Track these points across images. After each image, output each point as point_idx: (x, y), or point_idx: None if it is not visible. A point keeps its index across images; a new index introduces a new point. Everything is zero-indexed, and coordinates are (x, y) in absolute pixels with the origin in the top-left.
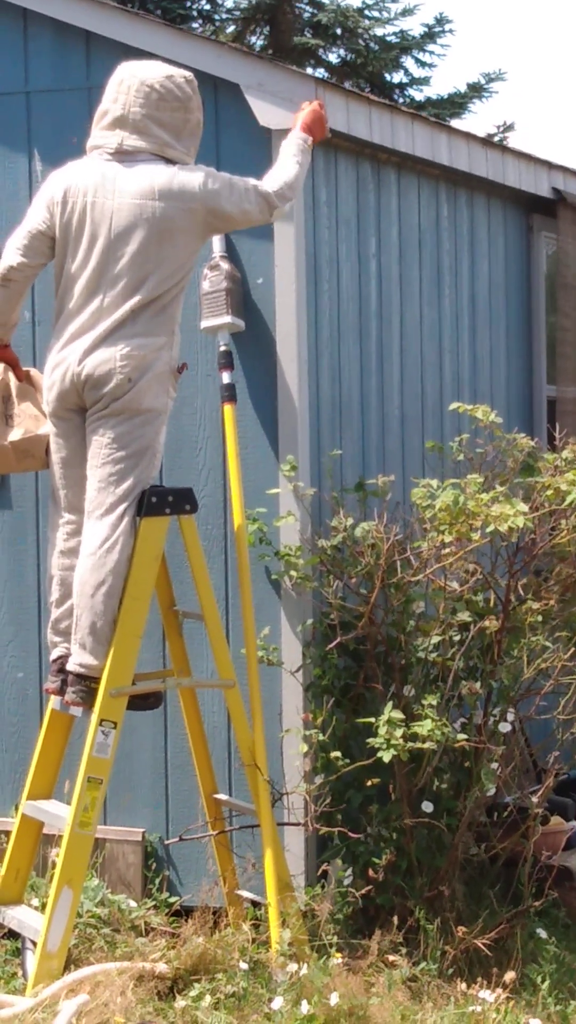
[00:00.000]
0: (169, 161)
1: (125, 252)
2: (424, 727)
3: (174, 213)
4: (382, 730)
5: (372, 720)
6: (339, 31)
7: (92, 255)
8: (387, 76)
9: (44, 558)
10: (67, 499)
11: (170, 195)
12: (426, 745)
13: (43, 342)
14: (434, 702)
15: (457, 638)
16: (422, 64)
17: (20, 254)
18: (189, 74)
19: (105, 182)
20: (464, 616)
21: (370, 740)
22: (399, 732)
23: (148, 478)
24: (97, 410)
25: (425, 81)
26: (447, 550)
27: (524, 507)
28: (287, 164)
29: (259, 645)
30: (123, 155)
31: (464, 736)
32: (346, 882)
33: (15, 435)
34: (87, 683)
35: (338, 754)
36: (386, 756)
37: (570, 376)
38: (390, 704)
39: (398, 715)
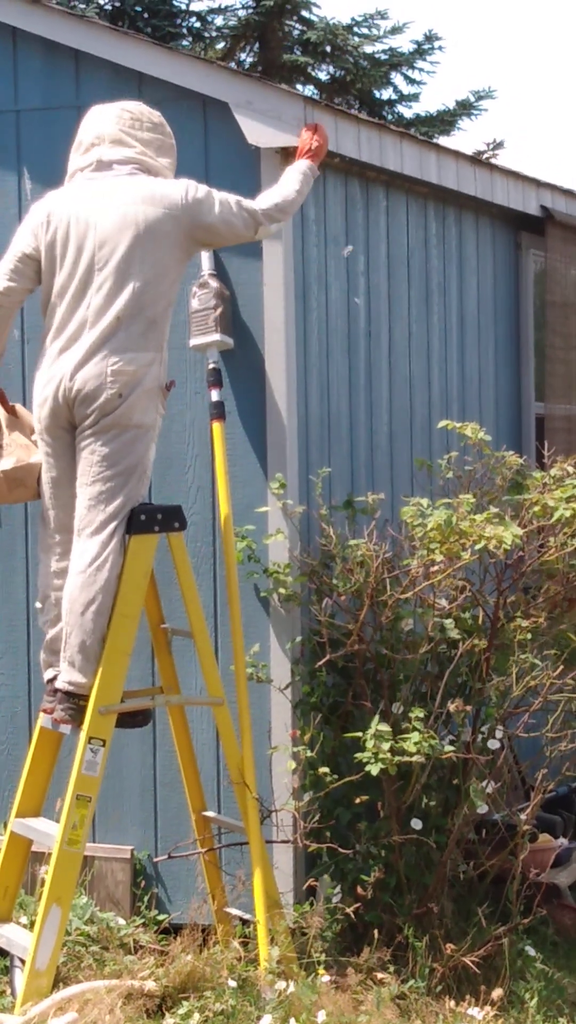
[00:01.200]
0: (150, 173)
1: (110, 259)
2: (411, 740)
3: (157, 218)
4: (369, 744)
5: (360, 735)
6: (328, 49)
7: (78, 267)
8: (376, 93)
9: (33, 576)
10: (57, 519)
11: (153, 201)
12: (414, 759)
13: (32, 360)
14: (422, 715)
15: (446, 656)
16: (411, 81)
17: (7, 279)
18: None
19: (88, 196)
20: (453, 634)
21: (358, 755)
22: (387, 746)
23: (137, 496)
24: (87, 426)
25: (414, 98)
26: (436, 568)
27: (518, 529)
28: (283, 187)
29: (248, 662)
30: (104, 168)
31: (452, 749)
32: (335, 899)
33: (7, 464)
34: (76, 701)
35: (326, 771)
36: (374, 769)
37: (559, 394)
38: (377, 718)
39: (385, 728)
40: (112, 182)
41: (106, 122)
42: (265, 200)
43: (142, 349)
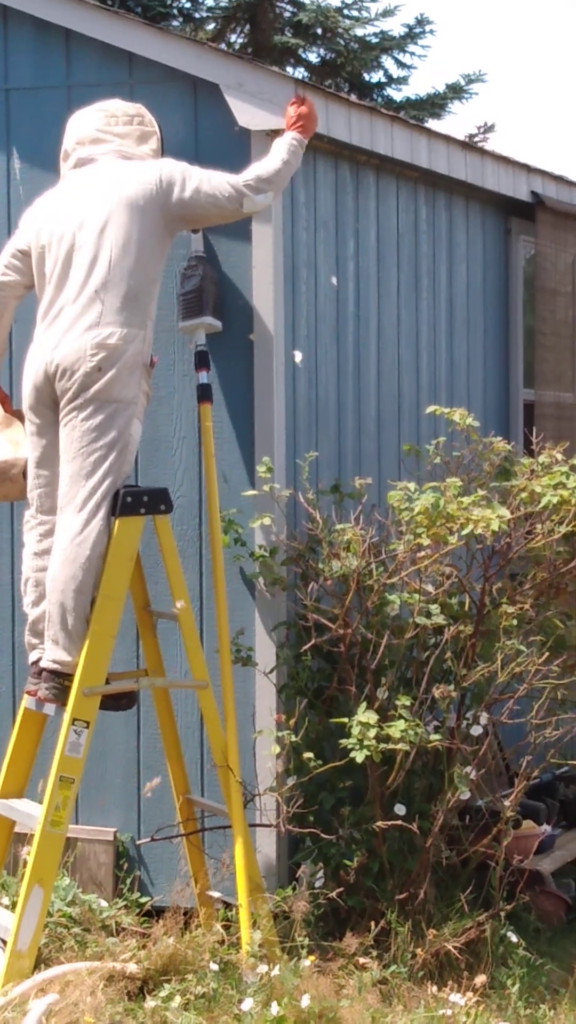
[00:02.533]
0: (130, 160)
1: (88, 237)
2: (397, 728)
3: (132, 193)
4: (355, 730)
5: (345, 721)
6: (319, 31)
7: (61, 251)
8: (366, 76)
9: (18, 557)
10: (41, 500)
11: (128, 179)
12: (399, 746)
13: (19, 341)
14: (407, 703)
15: (431, 641)
16: (402, 64)
17: (0, 274)
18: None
19: (70, 189)
20: (439, 619)
21: (343, 741)
22: (372, 733)
23: (121, 472)
24: (68, 400)
25: (404, 80)
26: (422, 553)
27: (506, 511)
28: (269, 159)
29: (233, 646)
30: (85, 164)
31: (437, 737)
32: (317, 884)
33: None
34: (60, 680)
35: (311, 755)
36: (359, 756)
37: (549, 380)
38: (363, 705)
39: (372, 716)
40: (91, 171)
41: (83, 126)
42: (248, 172)
43: (123, 324)
